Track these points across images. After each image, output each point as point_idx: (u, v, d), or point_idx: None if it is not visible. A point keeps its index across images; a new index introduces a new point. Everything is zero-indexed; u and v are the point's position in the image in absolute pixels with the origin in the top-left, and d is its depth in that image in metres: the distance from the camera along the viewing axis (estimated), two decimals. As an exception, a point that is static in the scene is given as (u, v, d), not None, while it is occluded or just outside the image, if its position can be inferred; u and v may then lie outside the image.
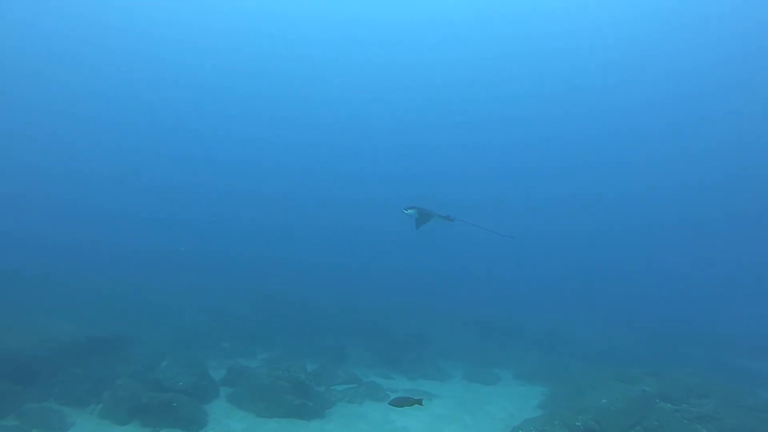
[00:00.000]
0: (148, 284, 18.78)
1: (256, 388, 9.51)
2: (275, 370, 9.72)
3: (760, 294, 28.73)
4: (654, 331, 19.46)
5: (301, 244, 35.38)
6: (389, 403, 7.46)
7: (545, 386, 12.30)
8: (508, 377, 13.23)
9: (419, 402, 6.78)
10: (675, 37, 40.63)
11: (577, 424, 8.08)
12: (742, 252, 36.89)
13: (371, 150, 50.25)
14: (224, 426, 8.75)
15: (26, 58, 43.12)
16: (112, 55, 45.63)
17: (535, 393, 11.87)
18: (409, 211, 9.21)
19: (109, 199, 40.35)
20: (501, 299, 23.89)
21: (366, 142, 50.38)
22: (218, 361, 11.58)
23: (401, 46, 46.99)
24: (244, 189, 44.39)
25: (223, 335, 13.57)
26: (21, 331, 10.77)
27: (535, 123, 48.47)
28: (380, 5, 44.22)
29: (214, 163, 47.58)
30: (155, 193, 42.71)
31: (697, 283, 33.04)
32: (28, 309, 13.24)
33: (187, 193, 43.43)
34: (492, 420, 9.91)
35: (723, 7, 36.50)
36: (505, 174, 48.06)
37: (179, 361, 9.86)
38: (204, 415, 8.90)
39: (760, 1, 34.38)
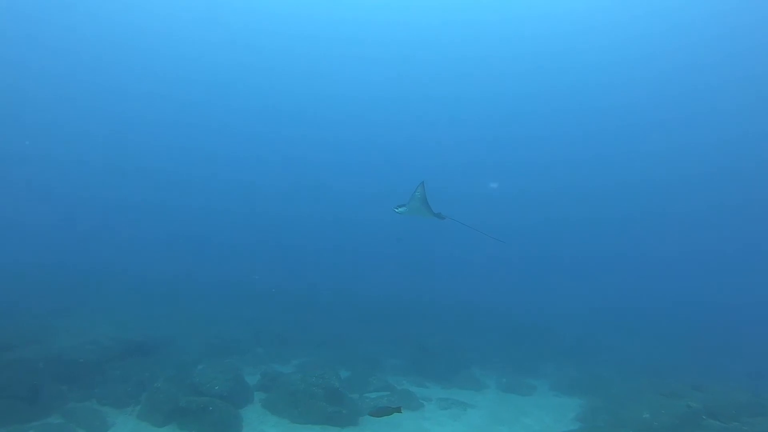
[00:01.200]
0: (181, 287, 19.19)
1: (290, 394, 9.54)
2: (309, 377, 9.72)
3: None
4: (690, 339, 18.76)
5: (327, 248, 35.62)
6: (369, 414, 7.40)
7: (582, 398, 11.95)
8: (543, 388, 12.92)
9: (398, 410, 6.85)
10: (669, 37, 40.68)
11: (618, 439, 7.81)
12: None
13: (379, 147, 50.70)
14: (259, 431, 8.80)
15: (46, 57, 43.98)
16: (146, 55, 46.52)
17: (572, 405, 11.53)
18: (399, 209, 9.32)
19: (142, 198, 41.46)
20: (528, 302, 23.55)
21: (384, 139, 50.78)
22: (252, 367, 11.70)
23: (402, 46, 47.31)
24: (275, 191, 45.00)
25: (257, 340, 13.71)
26: (64, 333, 11.18)
27: (545, 118, 48.64)
28: (379, 4, 44.46)
29: (244, 162, 48.33)
30: (184, 191, 43.68)
31: (735, 287, 31.85)
32: (69, 311, 13.72)
33: (217, 193, 44.19)
34: (529, 432, 9.69)
35: (717, 8, 36.40)
36: (512, 170, 48.06)
37: (214, 365, 9.99)
38: (239, 420, 8.96)
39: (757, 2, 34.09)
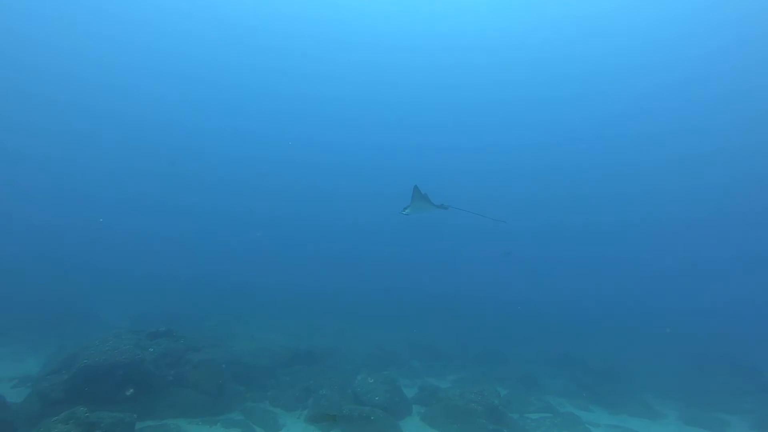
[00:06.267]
0: (337, 297, 20.22)
1: (449, 409, 9.32)
2: (468, 393, 9.42)
3: None
4: None
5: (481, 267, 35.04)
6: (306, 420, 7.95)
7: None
8: (741, 425, 10.97)
9: (333, 419, 7.10)
10: (669, 44, 38.99)
11: None
12: None
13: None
14: (419, 445, 8.71)
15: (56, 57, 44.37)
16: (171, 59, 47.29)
17: (784, 449, 9.61)
18: (405, 211, 9.20)
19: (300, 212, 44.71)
20: (713, 328, 20.52)
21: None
22: (409, 379, 11.74)
23: (405, 49, 46.09)
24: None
25: (413, 354, 13.79)
26: (240, 338, 12.38)
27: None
28: (383, 7, 43.41)
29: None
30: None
31: None
32: (240, 318, 15.19)
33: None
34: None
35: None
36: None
37: (374, 376, 10.19)
38: (398, 430, 8.96)
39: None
